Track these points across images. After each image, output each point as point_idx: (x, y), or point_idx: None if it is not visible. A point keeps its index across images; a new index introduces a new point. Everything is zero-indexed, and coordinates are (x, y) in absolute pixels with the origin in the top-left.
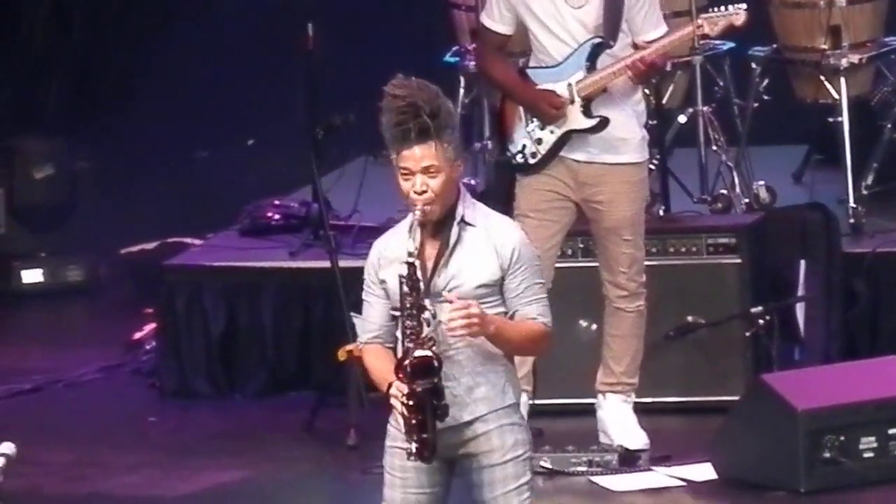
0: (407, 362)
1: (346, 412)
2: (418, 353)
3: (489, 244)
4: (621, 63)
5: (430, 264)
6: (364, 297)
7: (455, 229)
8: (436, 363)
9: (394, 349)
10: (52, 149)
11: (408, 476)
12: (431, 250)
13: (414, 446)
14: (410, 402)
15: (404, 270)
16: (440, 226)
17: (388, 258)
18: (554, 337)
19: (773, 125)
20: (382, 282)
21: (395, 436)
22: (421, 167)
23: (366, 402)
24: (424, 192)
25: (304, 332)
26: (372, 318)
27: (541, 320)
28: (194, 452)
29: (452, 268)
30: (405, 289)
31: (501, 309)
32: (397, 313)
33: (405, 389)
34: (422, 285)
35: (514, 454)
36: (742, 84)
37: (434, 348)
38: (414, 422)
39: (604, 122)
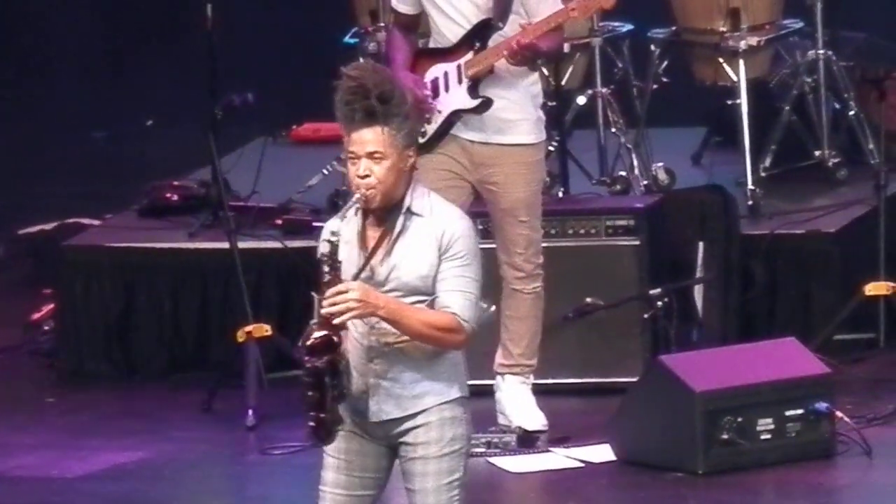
0: (308, 340)
1: (244, 393)
2: (318, 332)
3: (431, 234)
4: (503, 43)
5: (376, 252)
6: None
7: (401, 219)
8: (335, 340)
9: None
10: None
11: (352, 459)
12: (373, 236)
13: (310, 424)
14: (308, 379)
15: (325, 249)
16: (386, 214)
17: (339, 235)
18: (471, 335)
19: (672, 107)
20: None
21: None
22: (366, 151)
23: (265, 384)
24: (367, 176)
25: (203, 313)
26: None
27: (456, 312)
28: (92, 433)
29: (395, 257)
30: (325, 268)
31: None
32: None
33: (306, 366)
34: (341, 265)
35: (450, 448)
36: (641, 66)
37: (339, 329)
38: (312, 400)
39: (487, 103)
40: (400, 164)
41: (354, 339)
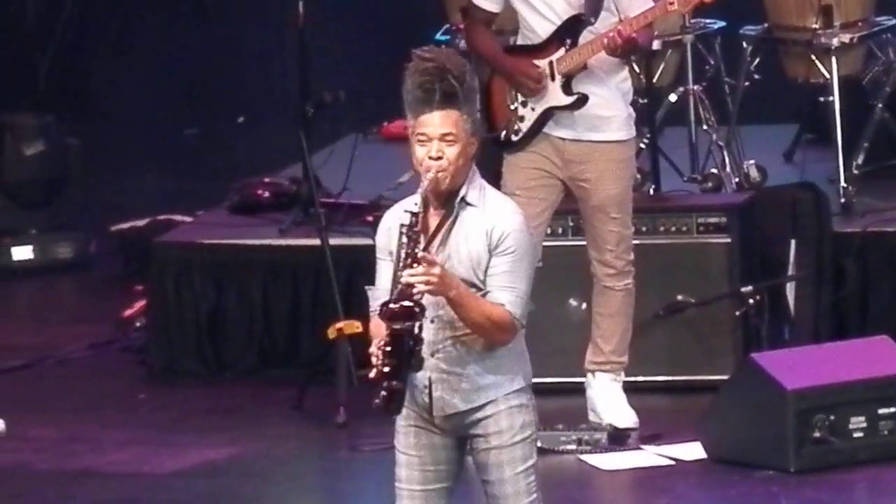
0: (392, 305)
1: (335, 390)
2: (403, 301)
3: (481, 226)
4: (598, 38)
5: (434, 239)
6: (377, 266)
7: (457, 208)
8: (417, 310)
9: None
10: (43, 125)
11: (424, 454)
12: (432, 225)
13: (382, 394)
14: (386, 347)
15: (406, 220)
16: (445, 202)
17: (397, 227)
18: (516, 332)
19: (763, 104)
20: (390, 253)
21: (408, 414)
22: (439, 133)
23: (355, 381)
24: (440, 158)
25: (294, 310)
26: (382, 287)
27: (508, 308)
28: (183, 430)
29: (451, 247)
30: (404, 239)
31: None
32: None
33: (383, 333)
34: (421, 237)
35: (522, 436)
36: (733, 63)
37: (421, 300)
38: (387, 368)
39: (583, 100)
40: (468, 149)
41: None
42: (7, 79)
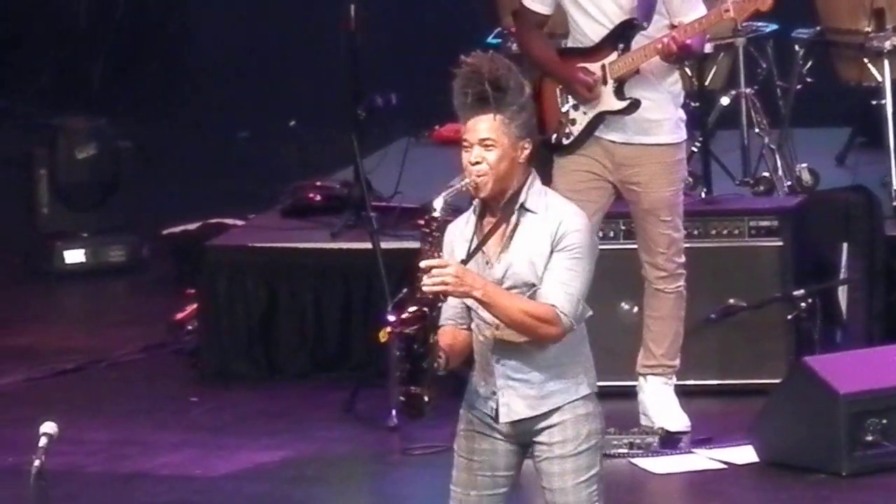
0: (400, 313)
1: (386, 393)
2: (412, 306)
3: (545, 229)
4: (652, 44)
5: (491, 250)
6: None
7: (516, 214)
8: (426, 312)
9: (468, 330)
10: (95, 128)
11: (483, 459)
12: (491, 233)
13: (400, 399)
14: (399, 352)
15: (422, 222)
16: (501, 208)
17: (458, 239)
18: (567, 330)
19: (816, 107)
20: None
21: (470, 419)
22: (478, 139)
23: None
24: (479, 163)
25: (345, 314)
26: (449, 302)
27: (555, 304)
28: (234, 432)
29: (510, 254)
30: (426, 245)
31: None
32: None
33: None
34: (441, 240)
35: (587, 445)
36: (785, 66)
37: (434, 304)
38: (402, 373)
39: (635, 104)
40: (513, 154)
41: (480, 341)
42: (60, 82)
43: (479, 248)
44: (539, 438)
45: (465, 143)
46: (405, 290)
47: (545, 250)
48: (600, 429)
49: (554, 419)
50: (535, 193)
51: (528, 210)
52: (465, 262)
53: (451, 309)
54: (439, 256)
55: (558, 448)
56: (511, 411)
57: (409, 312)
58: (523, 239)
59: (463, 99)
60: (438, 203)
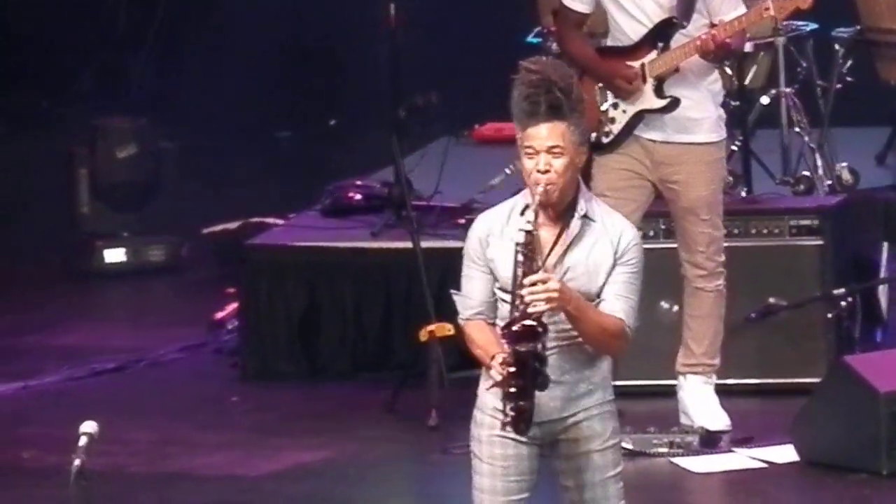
0: (515, 327)
1: (426, 393)
2: (526, 321)
3: (607, 238)
4: (692, 42)
5: (545, 252)
6: (466, 272)
7: (577, 223)
8: (540, 330)
9: (494, 325)
10: (136, 128)
11: (509, 465)
12: (548, 238)
13: (510, 415)
14: (512, 367)
15: (521, 238)
16: (559, 216)
17: (496, 235)
18: (629, 343)
19: (856, 106)
20: (490, 259)
21: (493, 424)
22: (546, 146)
23: (447, 383)
24: (547, 171)
25: (386, 313)
26: (474, 295)
27: (623, 318)
28: (276, 432)
29: (570, 261)
30: (520, 258)
31: None
32: (501, 293)
33: (508, 353)
34: (536, 255)
35: (613, 441)
36: (825, 65)
37: (542, 318)
38: (513, 389)
39: (675, 103)
40: (576, 161)
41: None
42: (101, 82)
43: (547, 257)
44: (566, 436)
45: (528, 151)
46: (515, 310)
47: (608, 261)
48: (619, 429)
49: (581, 416)
50: (589, 200)
51: (589, 219)
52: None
53: (478, 303)
54: (537, 270)
55: (584, 444)
56: (542, 411)
57: (523, 327)
58: (585, 248)
59: (531, 107)
60: (531, 216)
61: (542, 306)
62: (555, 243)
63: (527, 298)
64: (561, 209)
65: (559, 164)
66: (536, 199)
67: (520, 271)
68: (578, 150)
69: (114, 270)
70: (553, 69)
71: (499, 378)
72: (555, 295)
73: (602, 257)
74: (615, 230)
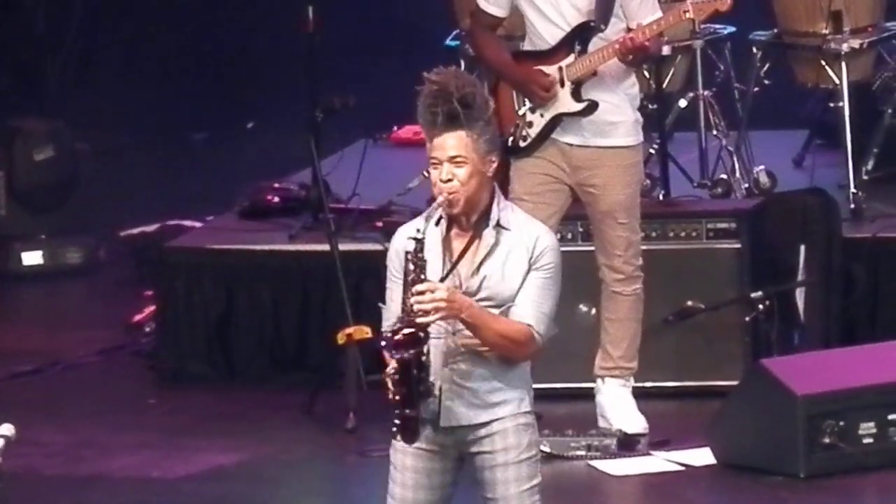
0: (395, 337)
1: (344, 395)
2: (405, 329)
3: (522, 246)
4: (609, 45)
5: (463, 264)
6: (388, 285)
7: (491, 232)
8: (422, 335)
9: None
10: (53, 130)
11: (419, 477)
12: (459, 247)
13: (396, 422)
14: (395, 375)
15: (410, 247)
16: (472, 224)
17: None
18: (539, 348)
19: (773, 110)
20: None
21: None
22: (448, 156)
23: (364, 386)
24: (450, 180)
25: (303, 316)
26: (393, 310)
27: (531, 324)
28: (192, 435)
29: (486, 270)
30: (410, 266)
31: None
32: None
33: (391, 362)
34: (427, 263)
35: (528, 454)
36: (743, 68)
37: (425, 327)
38: (398, 396)
39: (592, 106)
40: (482, 169)
41: (431, 343)
42: (17, 84)
43: (454, 266)
44: (480, 448)
45: (433, 161)
46: (399, 318)
47: (522, 267)
48: (538, 442)
49: (495, 427)
50: (505, 209)
51: (503, 228)
52: (442, 279)
53: (395, 315)
54: (425, 279)
55: (501, 456)
56: (453, 415)
57: (404, 335)
58: (499, 257)
59: (431, 117)
60: (421, 224)
61: (430, 316)
62: (464, 251)
63: (414, 307)
64: (475, 218)
65: (462, 173)
66: (441, 208)
67: (409, 279)
68: (485, 159)
69: (31, 273)
70: (454, 79)
71: (387, 385)
72: (442, 304)
73: (517, 264)
74: (530, 236)
